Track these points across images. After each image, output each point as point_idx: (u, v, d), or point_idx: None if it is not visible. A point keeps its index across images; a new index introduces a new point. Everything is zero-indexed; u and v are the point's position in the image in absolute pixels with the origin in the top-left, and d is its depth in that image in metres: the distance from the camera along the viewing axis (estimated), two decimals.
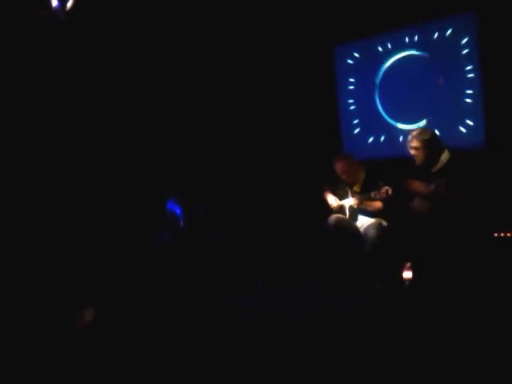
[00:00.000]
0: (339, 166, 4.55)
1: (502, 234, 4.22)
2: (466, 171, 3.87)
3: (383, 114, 5.44)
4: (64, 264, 4.29)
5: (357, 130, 5.65)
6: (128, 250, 4.63)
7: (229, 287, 4.49)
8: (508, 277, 3.74)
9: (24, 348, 3.34)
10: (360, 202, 4.45)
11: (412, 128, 4.94)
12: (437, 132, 4.62)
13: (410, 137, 4.10)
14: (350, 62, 5.63)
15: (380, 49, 5.38)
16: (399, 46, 5.23)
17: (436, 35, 4.96)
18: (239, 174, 5.69)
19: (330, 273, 4.46)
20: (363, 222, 4.48)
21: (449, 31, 4.88)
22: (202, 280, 4.51)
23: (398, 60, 5.27)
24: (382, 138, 5.47)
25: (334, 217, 4.52)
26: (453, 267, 3.76)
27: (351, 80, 5.65)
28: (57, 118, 4.51)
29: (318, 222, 4.67)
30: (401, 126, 5.31)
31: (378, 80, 5.43)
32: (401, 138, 5.28)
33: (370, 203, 4.39)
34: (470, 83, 4.81)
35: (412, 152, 4.04)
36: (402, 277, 4.18)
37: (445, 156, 3.99)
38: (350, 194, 4.56)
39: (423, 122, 5.05)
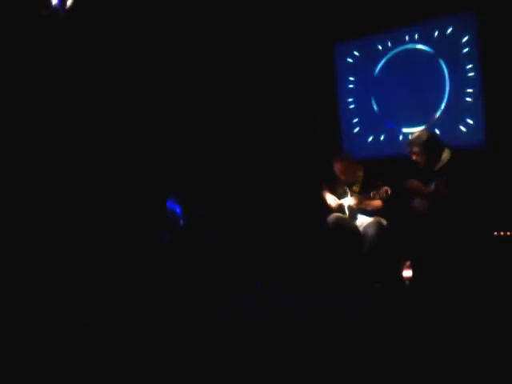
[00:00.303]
0: (338, 166, 4.55)
1: (502, 233, 4.22)
2: (467, 170, 3.87)
3: (382, 114, 5.44)
4: (63, 263, 4.29)
5: (356, 129, 5.64)
6: (128, 250, 4.62)
7: (229, 287, 4.49)
8: (508, 275, 3.74)
9: (24, 347, 3.34)
10: (359, 202, 4.44)
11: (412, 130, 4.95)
12: (437, 131, 4.65)
13: (408, 141, 4.10)
14: (349, 60, 5.62)
15: (380, 47, 5.38)
16: (399, 45, 5.22)
17: (436, 34, 4.96)
18: (239, 173, 5.69)
19: (330, 272, 4.46)
20: (362, 221, 4.48)
21: (449, 30, 4.88)
22: (202, 280, 4.51)
23: (398, 57, 5.27)
24: (382, 138, 5.46)
25: (333, 216, 4.52)
26: (453, 266, 3.76)
27: (351, 79, 5.64)
28: (57, 117, 4.51)
29: (318, 222, 4.67)
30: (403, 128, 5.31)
31: (378, 78, 5.43)
32: (400, 137, 5.29)
33: (369, 202, 4.38)
34: (470, 82, 4.80)
35: (413, 157, 4.04)
36: (401, 276, 4.18)
37: (445, 155, 3.99)
38: (349, 193, 4.56)
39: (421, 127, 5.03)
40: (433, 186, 3.90)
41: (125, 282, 4.36)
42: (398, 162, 4.57)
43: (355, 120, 5.64)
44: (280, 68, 5.81)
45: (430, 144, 3.97)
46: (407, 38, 5.17)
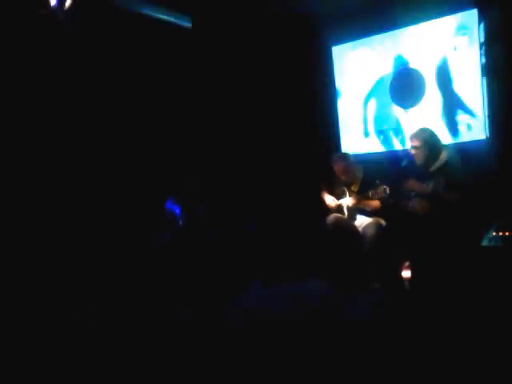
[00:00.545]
0: (337, 166, 4.56)
1: (501, 233, 4.23)
2: (465, 170, 3.89)
3: (383, 113, 5.45)
4: (62, 263, 4.28)
5: (355, 130, 5.65)
6: (127, 250, 4.62)
7: (228, 287, 4.49)
8: (507, 275, 3.75)
9: (23, 347, 3.34)
10: (358, 202, 4.45)
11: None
12: (437, 130, 4.64)
13: (409, 136, 4.12)
14: (348, 60, 5.63)
15: (378, 48, 5.38)
16: (398, 45, 5.23)
17: (436, 32, 4.96)
18: (238, 173, 5.69)
19: (330, 272, 4.47)
20: (362, 221, 4.49)
21: (450, 28, 4.88)
22: (202, 280, 4.51)
23: (398, 60, 5.29)
24: (381, 137, 5.47)
25: (332, 216, 4.53)
26: (451, 266, 3.76)
27: (350, 79, 5.65)
28: (57, 117, 4.49)
29: (317, 222, 4.67)
30: (400, 125, 5.32)
31: (376, 79, 5.44)
32: (399, 138, 5.30)
33: (367, 202, 4.39)
34: (470, 81, 4.81)
35: (412, 151, 4.06)
36: (400, 276, 4.19)
37: (444, 155, 4.01)
38: (347, 193, 4.57)
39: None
40: (431, 186, 3.91)
41: (124, 282, 4.35)
42: (396, 162, 4.58)
43: (354, 120, 5.65)
44: (279, 68, 5.82)
45: (430, 141, 4.00)
46: (406, 37, 5.18)
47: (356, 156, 4.84)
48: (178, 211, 4.98)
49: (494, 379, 2.53)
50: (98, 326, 3.73)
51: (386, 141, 5.43)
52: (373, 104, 5.49)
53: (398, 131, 5.31)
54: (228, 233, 5.12)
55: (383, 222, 4.34)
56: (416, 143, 4.01)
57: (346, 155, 4.74)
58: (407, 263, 4.18)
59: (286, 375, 2.80)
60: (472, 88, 4.78)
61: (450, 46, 4.88)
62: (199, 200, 5.16)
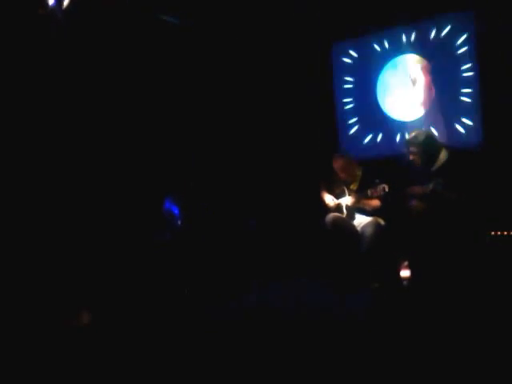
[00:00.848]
0: (338, 164, 4.56)
1: (499, 233, 4.25)
2: (464, 170, 3.89)
3: (381, 112, 5.46)
4: (62, 262, 4.28)
5: (354, 129, 5.66)
6: (127, 250, 4.62)
7: (228, 287, 4.49)
8: (505, 275, 3.77)
9: (22, 348, 3.33)
10: (357, 201, 4.44)
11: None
12: (434, 131, 4.66)
13: (406, 141, 4.11)
14: (347, 60, 5.64)
15: (377, 47, 5.39)
16: (397, 45, 5.24)
17: (433, 33, 4.98)
18: (238, 173, 5.69)
19: (329, 272, 4.48)
20: (360, 220, 4.48)
21: (446, 29, 4.90)
22: (202, 280, 4.51)
23: (397, 60, 5.30)
24: (379, 137, 5.48)
25: (331, 216, 4.53)
26: (450, 266, 3.78)
27: (348, 78, 5.66)
28: (56, 117, 4.48)
29: (316, 221, 4.68)
30: (399, 124, 5.33)
31: (375, 78, 5.45)
32: (398, 137, 5.31)
33: (367, 202, 4.39)
34: (467, 82, 4.83)
35: (410, 157, 4.05)
36: (399, 275, 4.21)
37: (443, 155, 4.00)
38: (347, 192, 4.57)
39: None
40: (430, 187, 3.92)
41: (123, 282, 4.35)
42: (395, 162, 4.59)
43: (353, 120, 5.66)
44: (278, 68, 5.82)
45: (427, 144, 3.98)
46: (404, 37, 5.19)
47: (355, 155, 4.84)
48: (176, 211, 4.97)
49: (494, 379, 2.54)
50: (98, 325, 3.73)
51: (385, 141, 5.44)
52: (373, 104, 5.50)
53: (397, 131, 5.31)
54: (228, 233, 5.13)
55: (382, 222, 4.34)
56: (413, 149, 4.00)
57: (345, 153, 4.74)
58: (406, 263, 4.20)
59: (286, 375, 2.80)
60: (469, 90, 4.81)
61: (448, 46, 4.89)
62: (199, 200, 5.16)
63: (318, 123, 5.78)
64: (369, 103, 5.51)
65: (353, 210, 4.52)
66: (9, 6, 4.08)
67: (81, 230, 4.50)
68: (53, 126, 4.45)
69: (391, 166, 4.61)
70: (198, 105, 5.61)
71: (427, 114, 5.11)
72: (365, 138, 5.58)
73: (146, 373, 2.97)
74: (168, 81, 5.35)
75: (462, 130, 4.91)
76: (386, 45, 5.33)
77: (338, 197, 4.64)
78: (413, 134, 4.11)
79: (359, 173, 4.59)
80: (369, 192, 4.18)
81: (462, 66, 4.84)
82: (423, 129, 4.58)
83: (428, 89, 5.10)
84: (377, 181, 4.14)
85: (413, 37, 5.13)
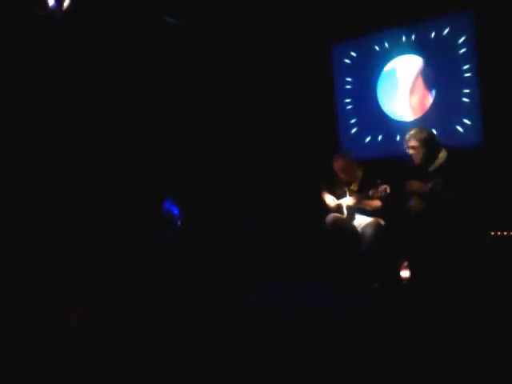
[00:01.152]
0: (338, 164, 4.55)
1: (499, 233, 4.25)
2: (464, 170, 3.89)
3: (381, 112, 5.46)
4: (61, 262, 4.28)
5: (354, 130, 5.67)
6: (127, 250, 4.62)
7: (228, 287, 4.49)
8: (505, 275, 3.77)
9: (21, 347, 3.33)
10: (358, 201, 4.43)
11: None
12: (434, 131, 4.65)
13: (407, 136, 4.11)
14: (347, 61, 5.64)
15: (377, 48, 5.40)
16: (396, 46, 5.25)
17: (433, 34, 4.98)
18: (238, 173, 5.69)
19: (329, 272, 4.48)
20: (361, 221, 4.48)
21: (446, 30, 4.90)
22: (202, 280, 4.51)
23: (397, 60, 5.30)
24: (380, 138, 5.49)
25: (331, 216, 4.52)
26: (450, 266, 3.77)
27: (349, 79, 5.66)
28: (56, 117, 4.48)
29: (316, 222, 4.67)
30: (399, 124, 5.33)
31: (376, 79, 5.45)
32: (398, 137, 5.31)
33: (368, 202, 4.38)
34: (467, 82, 4.83)
35: (410, 151, 4.05)
36: (399, 276, 4.20)
37: (442, 155, 4.00)
38: (347, 193, 4.57)
39: None
40: (429, 186, 3.92)
41: (123, 282, 4.35)
42: (395, 162, 4.58)
43: (353, 120, 5.67)
44: (278, 68, 5.82)
45: (428, 141, 3.98)
46: (404, 38, 5.19)
47: (356, 156, 4.84)
48: (176, 211, 4.98)
49: (494, 379, 2.54)
50: (98, 325, 3.73)
51: (386, 141, 5.44)
52: (373, 103, 5.50)
53: (397, 131, 5.31)
54: (228, 233, 5.13)
55: (382, 222, 4.33)
56: (413, 143, 4.00)
57: (346, 153, 4.74)
58: (406, 263, 4.20)
59: (286, 375, 2.80)
60: (469, 90, 4.81)
61: (449, 47, 4.90)
62: (199, 200, 5.16)
63: (318, 124, 5.79)
64: (369, 103, 5.51)
65: (353, 210, 4.52)
66: (9, 6, 4.09)
67: (81, 229, 4.50)
68: (53, 126, 4.45)
69: (392, 167, 4.60)
70: (198, 105, 5.61)
71: (427, 115, 5.11)
72: (365, 138, 5.59)
73: (146, 373, 2.97)
74: (168, 81, 5.36)
75: (461, 130, 4.91)
76: (386, 45, 5.33)
77: (338, 197, 4.64)
78: (414, 130, 4.12)
79: (360, 173, 4.59)
80: (370, 193, 4.18)
81: (462, 66, 4.84)
82: (425, 127, 4.57)
83: (427, 89, 5.10)
84: (378, 181, 4.13)
85: (413, 37, 5.14)
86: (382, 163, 4.94)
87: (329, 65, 5.75)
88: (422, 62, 5.11)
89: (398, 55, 5.28)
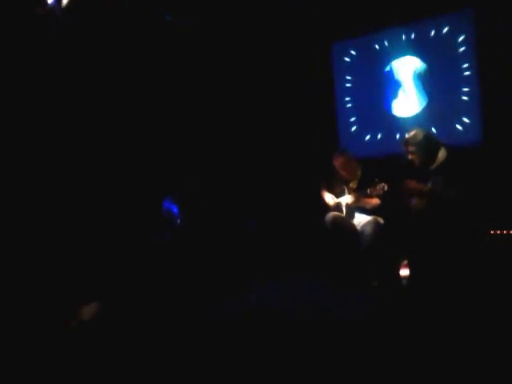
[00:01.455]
0: (338, 161, 4.55)
1: (499, 232, 4.25)
2: (463, 169, 3.89)
3: (381, 111, 5.46)
4: (62, 262, 4.28)
5: (354, 128, 5.66)
6: (127, 249, 4.62)
7: (228, 287, 4.49)
8: (504, 274, 3.77)
9: (23, 346, 3.33)
10: (357, 200, 4.44)
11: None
12: (433, 130, 4.66)
13: (404, 140, 4.09)
14: (347, 59, 5.64)
15: (377, 47, 5.39)
16: (396, 44, 5.24)
17: (433, 33, 4.98)
18: (238, 173, 5.69)
19: (329, 272, 4.48)
20: (360, 219, 4.48)
21: (446, 29, 4.90)
22: (202, 280, 4.51)
23: (396, 59, 5.30)
24: (379, 136, 5.48)
25: (330, 215, 4.53)
26: (450, 264, 3.77)
27: (349, 78, 5.66)
28: (56, 117, 4.48)
29: (316, 221, 4.68)
30: (399, 123, 5.33)
31: (375, 77, 5.45)
32: (397, 136, 5.30)
33: (367, 200, 4.40)
34: (466, 81, 4.83)
35: (409, 156, 4.04)
36: (399, 274, 4.20)
37: (442, 154, 3.99)
38: (346, 191, 4.57)
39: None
40: (429, 185, 3.91)
41: (123, 282, 4.35)
42: (394, 160, 4.58)
43: (353, 119, 5.67)
44: (278, 67, 5.82)
45: (425, 143, 3.96)
46: (404, 37, 5.19)
47: (356, 154, 4.84)
48: (176, 211, 4.98)
49: (494, 379, 2.55)
50: (98, 325, 3.73)
51: (385, 139, 5.44)
52: (373, 103, 5.50)
53: (397, 130, 5.31)
54: (228, 233, 5.12)
55: (381, 221, 4.34)
56: (411, 148, 3.98)
57: (345, 150, 4.74)
58: (405, 261, 4.20)
59: (286, 375, 2.80)
60: (468, 89, 4.80)
61: (448, 45, 4.89)
62: (199, 200, 5.16)
63: (318, 122, 5.79)
64: (369, 102, 5.51)
65: (352, 208, 4.52)
66: (7, 5, 4.08)
67: (81, 229, 4.50)
68: (53, 125, 4.45)
69: (391, 165, 4.60)
70: (198, 105, 5.61)
71: (426, 113, 5.11)
72: (365, 136, 5.58)
73: (146, 373, 2.97)
74: (168, 81, 5.35)
75: (461, 128, 4.91)
76: (386, 44, 5.33)
77: (337, 196, 4.64)
78: (411, 133, 4.07)
79: (359, 171, 4.59)
80: (368, 191, 4.19)
81: (462, 64, 4.84)
82: (421, 128, 4.55)
83: (427, 88, 5.10)
84: (376, 179, 4.14)
85: (412, 36, 5.14)
86: (381, 161, 4.95)
87: (329, 63, 5.75)
88: (421, 61, 5.10)
89: (397, 54, 5.27)
